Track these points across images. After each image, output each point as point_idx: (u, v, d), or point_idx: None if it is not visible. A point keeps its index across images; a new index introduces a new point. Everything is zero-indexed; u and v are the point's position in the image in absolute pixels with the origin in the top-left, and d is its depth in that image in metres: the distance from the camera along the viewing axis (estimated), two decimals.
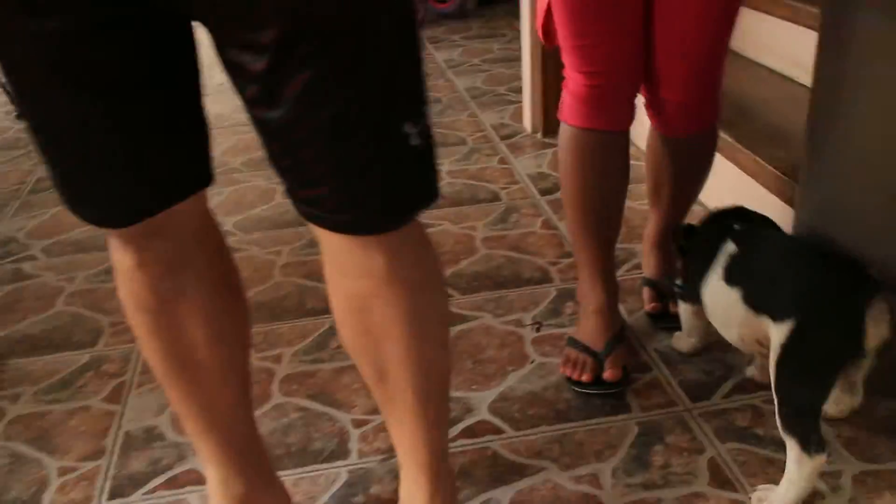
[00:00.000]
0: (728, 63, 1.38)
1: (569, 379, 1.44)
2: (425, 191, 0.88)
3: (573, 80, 1.36)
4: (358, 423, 1.39)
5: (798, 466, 1.11)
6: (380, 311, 0.92)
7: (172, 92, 0.85)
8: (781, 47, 2.27)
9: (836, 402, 1.24)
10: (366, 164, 0.81)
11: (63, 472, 1.35)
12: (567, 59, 1.36)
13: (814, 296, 1.15)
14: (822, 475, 1.20)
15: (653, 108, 1.43)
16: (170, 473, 1.32)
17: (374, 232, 0.86)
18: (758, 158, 1.76)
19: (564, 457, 1.28)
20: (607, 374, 1.41)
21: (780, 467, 1.22)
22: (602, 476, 1.24)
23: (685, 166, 1.51)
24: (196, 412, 1.04)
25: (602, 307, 1.47)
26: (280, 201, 2.27)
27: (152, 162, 0.86)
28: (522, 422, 1.36)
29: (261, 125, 0.81)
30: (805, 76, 1.71)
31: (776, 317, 1.14)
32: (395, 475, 1.26)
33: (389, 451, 1.31)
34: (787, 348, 1.13)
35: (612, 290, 1.49)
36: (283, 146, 0.81)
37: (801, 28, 2.05)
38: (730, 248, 1.26)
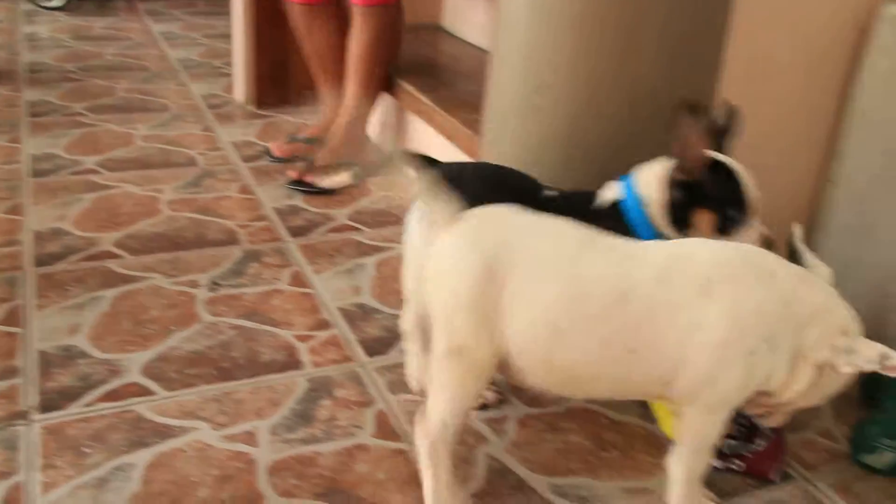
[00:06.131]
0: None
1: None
2: None
3: None
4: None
5: None
6: None
7: None
8: (482, 22, 2.31)
9: None
10: None
11: None
12: None
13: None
14: (488, 421, 1.17)
15: None
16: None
17: None
18: (454, 120, 1.75)
19: (220, 416, 1.15)
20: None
21: None
22: (259, 433, 1.12)
23: (368, 39, 1.94)
24: None
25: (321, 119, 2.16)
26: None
27: None
28: (178, 382, 1.21)
29: None
30: None
31: None
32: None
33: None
34: None
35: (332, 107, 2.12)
36: None
37: None
38: None
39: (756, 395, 0.93)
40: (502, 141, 1.30)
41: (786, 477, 1.11)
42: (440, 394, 0.93)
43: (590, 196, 1.11)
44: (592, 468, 1.10)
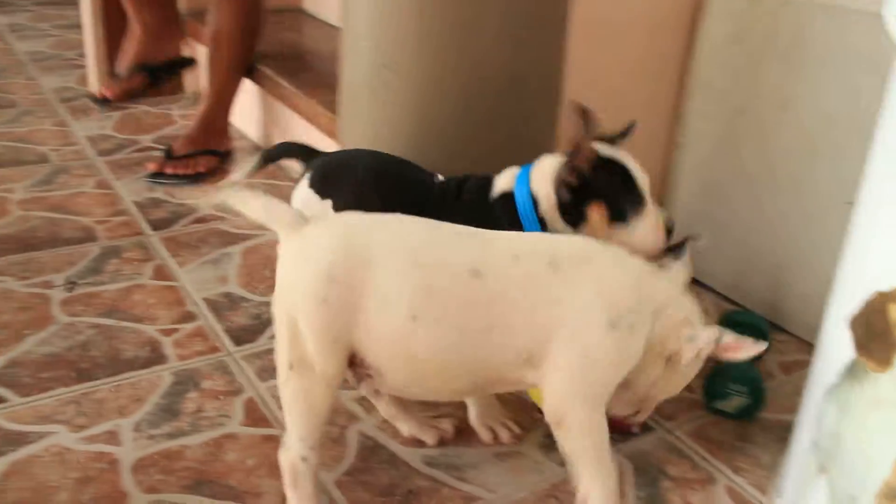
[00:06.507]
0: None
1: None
2: None
3: None
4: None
5: None
6: None
7: None
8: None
9: None
10: None
11: None
12: None
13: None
14: (359, 399, 1.17)
15: None
16: None
17: None
18: (313, 103, 1.74)
19: (79, 417, 1.11)
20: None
21: None
22: (122, 432, 1.09)
23: (229, 25, 1.97)
24: None
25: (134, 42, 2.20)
26: None
27: None
28: (33, 387, 1.16)
29: None
30: None
31: None
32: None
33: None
34: None
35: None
36: None
37: None
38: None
39: (620, 389, 0.94)
40: (356, 120, 1.30)
41: (647, 428, 1.16)
42: (290, 412, 0.91)
43: (479, 188, 1.08)
44: (463, 436, 1.12)
